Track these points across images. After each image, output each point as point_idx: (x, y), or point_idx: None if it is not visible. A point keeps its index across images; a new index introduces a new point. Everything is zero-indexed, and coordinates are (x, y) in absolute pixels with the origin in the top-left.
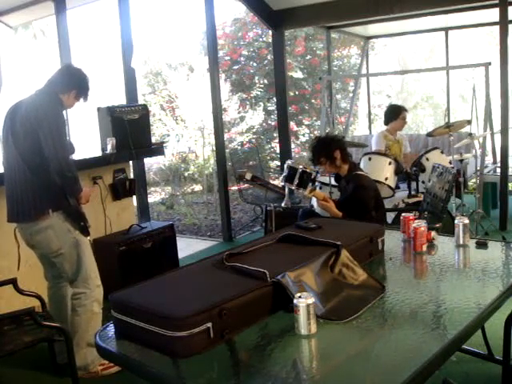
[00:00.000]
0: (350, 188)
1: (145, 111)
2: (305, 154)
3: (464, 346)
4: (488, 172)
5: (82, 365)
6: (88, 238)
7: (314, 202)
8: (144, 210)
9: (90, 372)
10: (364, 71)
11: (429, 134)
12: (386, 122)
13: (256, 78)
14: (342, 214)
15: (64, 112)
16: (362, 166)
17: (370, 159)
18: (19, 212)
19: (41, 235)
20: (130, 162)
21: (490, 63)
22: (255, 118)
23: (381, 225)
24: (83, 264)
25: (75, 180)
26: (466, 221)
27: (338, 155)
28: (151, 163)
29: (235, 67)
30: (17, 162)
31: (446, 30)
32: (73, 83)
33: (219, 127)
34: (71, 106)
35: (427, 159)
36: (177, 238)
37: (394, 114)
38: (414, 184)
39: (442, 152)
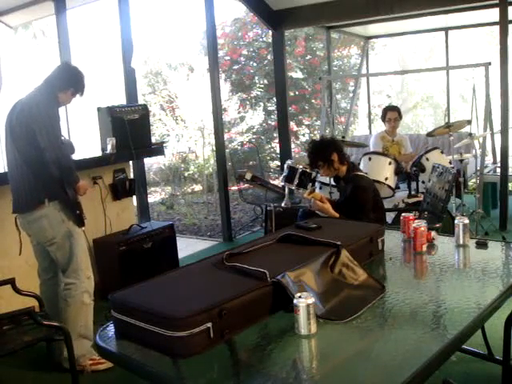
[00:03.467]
0: (348, 189)
1: (145, 111)
2: (305, 153)
3: (464, 346)
4: (488, 172)
5: (81, 353)
6: (83, 228)
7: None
8: (144, 210)
9: (79, 365)
10: (364, 71)
11: (429, 134)
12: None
13: (256, 78)
14: (338, 216)
15: (61, 109)
16: (361, 166)
17: (370, 159)
18: (19, 203)
19: (36, 224)
20: (130, 162)
21: (489, 63)
22: (255, 118)
23: (381, 225)
24: (75, 255)
25: (71, 170)
26: (466, 221)
27: (335, 158)
28: (151, 163)
29: (235, 67)
30: (14, 157)
31: (446, 29)
32: (70, 82)
33: (219, 127)
34: (68, 102)
35: (427, 159)
36: (177, 238)
37: (382, 116)
38: (414, 184)
39: (442, 152)
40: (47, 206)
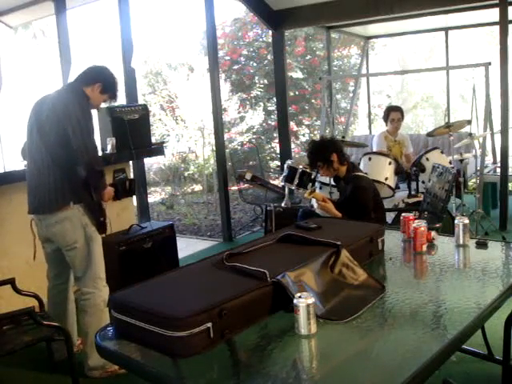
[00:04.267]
0: (349, 189)
1: (145, 111)
2: (305, 153)
3: (464, 346)
4: (488, 172)
5: (98, 364)
6: (103, 235)
7: (314, 202)
8: (144, 210)
9: (107, 371)
10: (364, 71)
11: (429, 134)
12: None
13: (256, 78)
14: (341, 215)
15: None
16: (361, 166)
17: (370, 159)
18: (40, 204)
19: (57, 226)
20: (130, 162)
21: (490, 63)
22: (255, 118)
23: (381, 225)
24: (93, 262)
25: (102, 174)
26: (466, 221)
27: (335, 158)
28: (151, 163)
29: (235, 67)
30: (41, 155)
31: (446, 29)
32: (97, 75)
33: (219, 127)
34: (98, 104)
35: (427, 159)
36: (177, 238)
37: (385, 116)
38: (414, 184)
39: (442, 152)
40: (72, 208)
